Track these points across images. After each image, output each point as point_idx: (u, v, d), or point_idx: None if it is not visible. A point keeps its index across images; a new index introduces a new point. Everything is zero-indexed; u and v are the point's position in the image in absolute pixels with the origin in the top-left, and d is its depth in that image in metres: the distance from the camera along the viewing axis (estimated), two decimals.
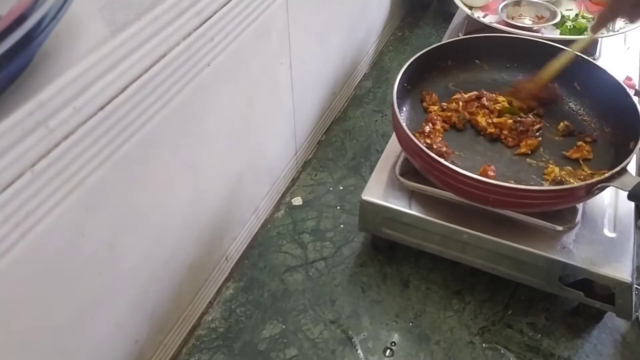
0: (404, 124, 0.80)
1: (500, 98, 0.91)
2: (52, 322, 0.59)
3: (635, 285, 0.77)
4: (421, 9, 1.69)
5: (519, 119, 0.88)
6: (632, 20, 0.82)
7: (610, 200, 0.84)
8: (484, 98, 0.91)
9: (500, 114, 0.90)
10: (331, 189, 1.12)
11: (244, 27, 0.76)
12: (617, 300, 0.78)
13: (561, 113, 0.92)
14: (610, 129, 0.86)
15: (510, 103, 0.91)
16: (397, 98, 0.84)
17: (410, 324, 0.89)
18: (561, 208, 0.80)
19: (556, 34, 1.10)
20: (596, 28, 0.81)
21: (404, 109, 0.92)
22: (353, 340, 0.87)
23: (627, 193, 0.70)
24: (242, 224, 0.98)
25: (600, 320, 0.88)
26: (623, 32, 1.10)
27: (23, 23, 0.44)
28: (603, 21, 0.80)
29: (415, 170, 0.84)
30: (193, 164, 0.76)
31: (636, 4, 0.72)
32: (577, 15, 1.15)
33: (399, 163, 0.89)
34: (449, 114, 0.90)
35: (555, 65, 0.87)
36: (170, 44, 0.62)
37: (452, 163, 0.75)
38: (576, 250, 0.78)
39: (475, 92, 0.93)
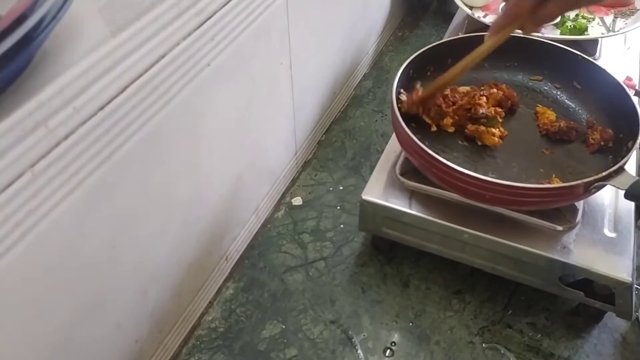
0: (402, 122, 0.80)
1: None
2: (52, 322, 0.59)
3: (635, 285, 0.77)
4: (421, 9, 1.68)
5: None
6: (526, 30, 0.68)
7: (611, 200, 0.84)
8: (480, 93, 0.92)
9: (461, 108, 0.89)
10: (331, 189, 1.12)
11: (244, 27, 0.76)
12: (617, 300, 0.78)
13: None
14: (609, 128, 0.86)
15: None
16: (397, 96, 0.84)
17: (410, 324, 0.89)
18: (559, 206, 0.80)
19: (556, 34, 1.10)
20: (490, 34, 0.72)
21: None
22: (353, 340, 0.87)
23: (624, 192, 0.70)
24: (242, 224, 0.98)
25: (600, 320, 0.88)
26: (623, 32, 1.10)
27: (23, 23, 0.44)
28: (496, 28, 0.71)
29: (416, 169, 0.84)
30: (193, 164, 0.76)
31: (532, 11, 0.64)
32: (577, 15, 1.15)
33: (399, 163, 0.89)
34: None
35: (449, 74, 0.81)
36: (170, 44, 0.62)
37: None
38: (576, 250, 0.78)
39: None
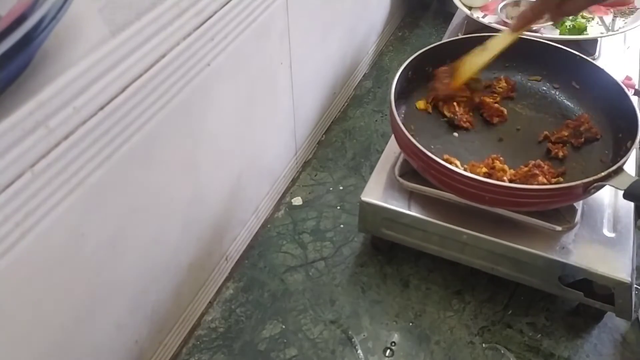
0: (401, 124, 0.80)
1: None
2: (52, 322, 0.59)
3: (635, 285, 0.77)
4: (421, 9, 1.69)
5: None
6: (553, 19, 0.79)
7: (610, 200, 0.84)
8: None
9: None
10: (331, 189, 1.12)
11: (244, 27, 0.76)
12: (617, 300, 0.78)
13: (560, 112, 0.92)
14: (609, 128, 0.86)
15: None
16: (396, 98, 0.84)
17: (410, 324, 0.89)
18: (558, 207, 0.80)
19: (555, 34, 1.10)
20: (517, 27, 0.79)
21: (402, 108, 0.92)
22: (353, 340, 0.87)
23: (623, 192, 0.70)
24: (242, 224, 0.98)
25: (600, 320, 0.88)
26: (623, 32, 1.10)
27: (23, 23, 0.44)
28: (524, 20, 0.77)
29: (415, 171, 0.84)
30: (193, 164, 0.76)
31: (560, 3, 0.69)
32: None
33: (399, 164, 0.89)
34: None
35: (472, 62, 0.87)
36: (170, 44, 0.62)
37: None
38: (575, 251, 0.78)
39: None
